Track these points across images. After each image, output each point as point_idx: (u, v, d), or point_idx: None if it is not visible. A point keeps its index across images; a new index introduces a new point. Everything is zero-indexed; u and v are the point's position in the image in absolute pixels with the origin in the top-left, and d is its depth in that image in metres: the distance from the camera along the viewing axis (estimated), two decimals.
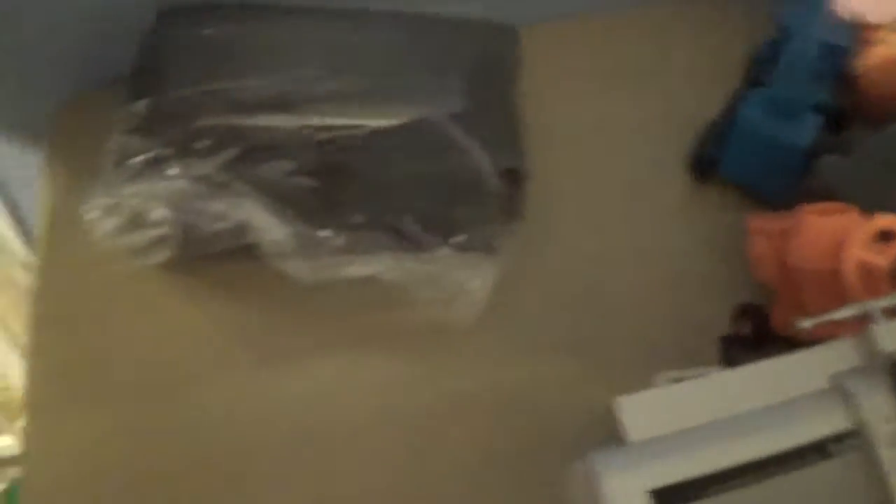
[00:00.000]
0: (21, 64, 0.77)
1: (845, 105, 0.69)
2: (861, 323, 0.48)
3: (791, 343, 0.51)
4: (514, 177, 0.65)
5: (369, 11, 0.71)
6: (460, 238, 0.63)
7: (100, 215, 0.64)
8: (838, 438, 0.43)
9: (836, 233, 0.59)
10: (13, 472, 1.09)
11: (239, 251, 0.64)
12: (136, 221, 0.64)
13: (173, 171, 0.64)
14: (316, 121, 0.65)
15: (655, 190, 0.73)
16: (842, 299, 0.53)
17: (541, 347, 0.65)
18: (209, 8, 0.70)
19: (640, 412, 0.45)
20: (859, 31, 0.70)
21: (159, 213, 0.64)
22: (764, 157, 0.69)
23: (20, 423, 0.70)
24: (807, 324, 0.50)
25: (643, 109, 0.76)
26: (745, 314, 0.66)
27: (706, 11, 0.82)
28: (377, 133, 0.64)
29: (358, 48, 0.68)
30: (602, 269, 0.69)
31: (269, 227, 0.63)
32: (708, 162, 0.72)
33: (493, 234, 0.64)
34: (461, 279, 0.62)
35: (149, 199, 0.63)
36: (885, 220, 0.58)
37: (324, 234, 0.63)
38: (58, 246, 0.71)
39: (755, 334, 0.64)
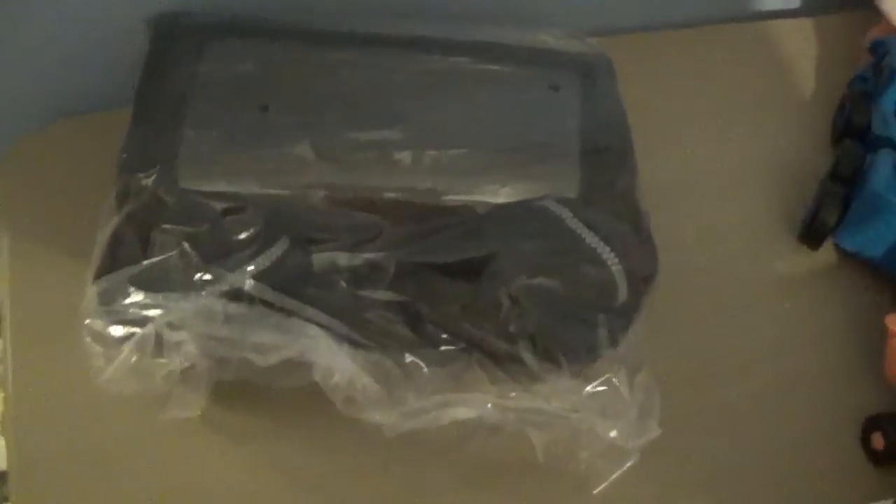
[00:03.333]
0: None
1: None
2: None
3: None
4: (643, 285, 0.50)
5: (439, 41, 0.55)
6: (583, 365, 0.48)
7: (97, 336, 0.45)
8: None
9: None
10: None
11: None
12: (150, 349, 0.45)
13: (198, 280, 0.45)
14: (395, 201, 0.49)
15: (758, 262, 0.62)
16: None
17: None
18: (228, 27, 0.55)
19: None
20: None
21: (179, 340, 0.45)
22: None
23: None
24: None
25: (729, 156, 0.66)
26: (877, 427, 0.55)
27: (792, 33, 0.73)
28: (480, 223, 0.47)
29: (437, 100, 0.53)
30: (707, 377, 0.56)
31: (335, 362, 0.46)
32: (822, 229, 0.61)
33: (621, 358, 0.49)
34: (592, 426, 0.47)
35: (164, 321, 0.45)
36: None
37: (409, 360, 0.46)
38: (30, 362, 0.53)
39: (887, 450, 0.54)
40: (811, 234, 0.62)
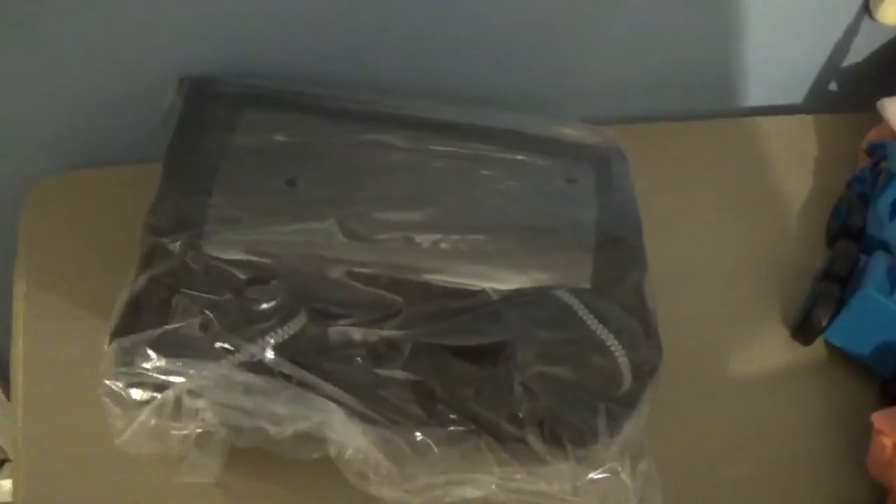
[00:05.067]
0: None
1: None
2: None
3: None
4: (647, 376, 0.51)
5: (463, 126, 0.56)
6: (587, 451, 0.50)
7: (115, 396, 0.46)
8: None
9: None
10: None
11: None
12: (168, 413, 0.46)
13: (218, 348, 0.46)
14: (413, 281, 0.50)
15: (749, 352, 0.64)
16: None
17: None
18: (263, 97, 0.56)
19: None
20: None
21: (198, 408, 0.46)
22: (888, 333, 0.61)
23: None
24: None
25: (726, 250, 0.68)
26: None
27: (793, 130, 0.75)
28: (497, 309, 0.49)
29: (459, 185, 0.54)
30: (694, 462, 0.58)
31: (349, 438, 0.47)
32: (815, 327, 0.62)
33: (624, 446, 0.50)
34: None
35: (185, 388, 0.46)
36: None
37: (420, 439, 0.47)
38: (41, 416, 0.52)
39: None
40: (804, 331, 0.63)
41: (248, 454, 0.49)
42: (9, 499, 0.95)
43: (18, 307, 0.56)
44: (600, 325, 0.50)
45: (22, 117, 0.61)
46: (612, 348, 0.50)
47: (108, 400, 0.47)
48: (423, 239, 0.51)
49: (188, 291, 0.48)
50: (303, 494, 0.51)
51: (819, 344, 0.64)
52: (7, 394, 0.80)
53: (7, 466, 1.03)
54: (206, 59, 0.60)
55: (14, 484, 0.51)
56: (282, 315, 0.48)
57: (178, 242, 0.49)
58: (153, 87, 0.59)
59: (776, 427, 0.61)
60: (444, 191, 0.54)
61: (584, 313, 0.50)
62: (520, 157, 0.56)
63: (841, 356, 0.63)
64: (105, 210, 0.60)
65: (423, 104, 0.58)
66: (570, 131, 0.59)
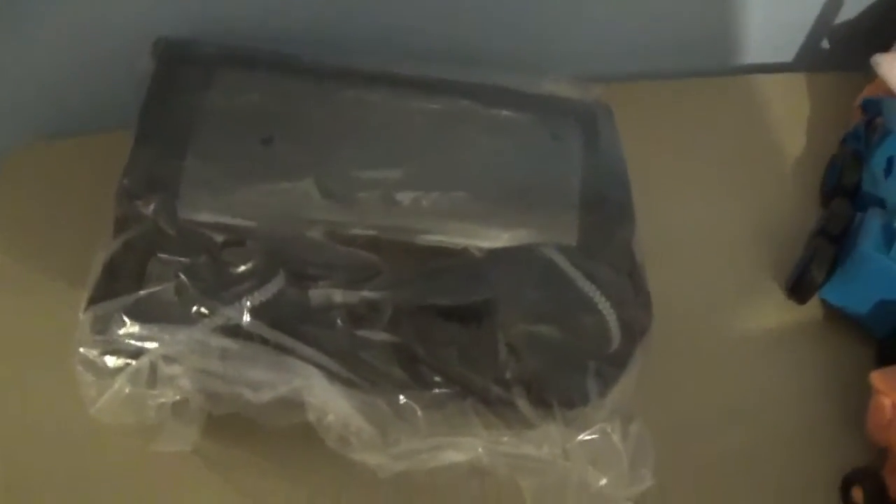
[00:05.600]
0: None
1: None
2: None
3: None
4: (637, 335, 0.50)
5: (445, 83, 0.55)
6: (576, 412, 0.48)
7: (89, 364, 0.45)
8: None
9: None
10: None
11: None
12: (143, 381, 0.45)
13: (194, 312, 0.45)
14: (394, 241, 0.49)
15: (745, 314, 0.62)
16: None
17: None
18: (236, 58, 0.54)
19: None
20: None
21: (174, 374, 0.45)
22: (884, 291, 0.60)
23: None
24: None
25: (719, 209, 0.66)
26: (857, 482, 0.56)
27: (785, 88, 0.73)
28: (480, 268, 0.47)
29: (441, 142, 0.53)
30: (690, 429, 0.56)
31: (329, 402, 0.45)
32: (811, 284, 0.61)
33: (614, 407, 0.49)
34: (583, 475, 0.47)
35: (160, 354, 0.45)
36: None
37: (403, 402, 0.46)
38: (14, 385, 0.51)
39: None
40: (800, 290, 0.62)
41: (225, 421, 0.47)
42: None
43: None
44: (587, 283, 0.49)
45: None
46: (600, 306, 0.49)
47: (82, 368, 0.46)
48: (404, 197, 0.50)
49: (163, 255, 0.47)
50: (282, 461, 0.50)
51: (815, 304, 0.63)
52: None
53: None
54: (180, 23, 0.58)
55: None
56: (258, 277, 0.47)
57: (152, 205, 0.48)
58: (126, 52, 0.57)
59: (772, 390, 0.60)
60: (425, 148, 0.52)
61: (570, 270, 0.49)
62: (503, 113, 0.55)
63: (837, 317, 0.62)
64: (76, 181, 0.59)
65: (402, 62, 0.56)
66: (555, 87, 0.58)
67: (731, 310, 0.62)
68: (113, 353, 0.46)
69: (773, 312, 0.63)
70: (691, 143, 0.69)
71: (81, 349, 0.46)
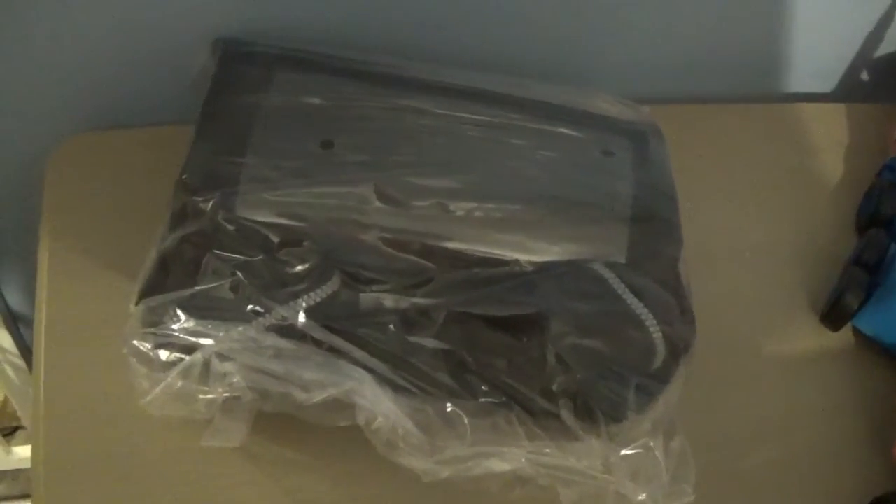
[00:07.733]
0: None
1: None
2: None
3: None
4: (680, 352, 0.51)
5: (501, 95, 0.56)
6: (620, 426, 0.49)
7: (142, 356, 0.45)
8: None
9: None
10: None
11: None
12: (196, 376, 0.45)
13: (249, 311, 0.45)
14: (447, 249, 0.49)
15: (778, 337, 0.63)
16: None
17: None
18: (298, 60, 0.55)
19: None
20: None
21: (226, 371, 0.45)
22: None
23: None
24: None
25: (757, 233, 0.67)
26: None
27: (825, 117, 0.74)
28: (532, 280, 0.48)
29: (495, 154, 0.53)
30: (720, 446, 0.57)
31: (379, 406, 0.46)
32: (845, 312, 0.61)
33: (656, 422, 0.49)
34: (623, 488, 0.48)
35: (214, 351, 0.45)
36: None
37: (451, 409, 0.46)
38: (63, 369, 0.51)
39: None
40: (833, 317, 0.63)
41: (274, 419, 0.48)
42: (20, 465, 0.95)
43: (42, 265, 0.55)
44: (635, 299, 0.50)
45: (49, 77, 0.61)
46: (647, 322, 0.49)
47: (134, 360, 0.46)
48: (458, 206, 0.50)
49: (219, 252, 0.47)
50: (328, 462, 0.50)
51: (847, 330, 0.63)
52: (24, 357, 0.79)
53: (20, 433, 1.02)
54: (235, 22, 0.59)
55: (33, 446, 0.50)
56: (314, 278, 0.47)
57: (211, 202, 0.48)
58: (180, 49, 0.58)
59: (804, 411, 0.60)
60: (478, 159, 0.53)
61: (618, 286, 0.50)
62: (555, 128, 0.55)
63: (868, 343, 0.63)
64: (128, 171, 0.60)
65: (457, 72, 0.57)
66: (607, 105, 0.58)
67: (765, 331, 0.63)
68: (165, 346, 0.46)
69: (807, 336, 0.63)
70: (729, 167, 0.69)
71: (133, 341, 0.46)
